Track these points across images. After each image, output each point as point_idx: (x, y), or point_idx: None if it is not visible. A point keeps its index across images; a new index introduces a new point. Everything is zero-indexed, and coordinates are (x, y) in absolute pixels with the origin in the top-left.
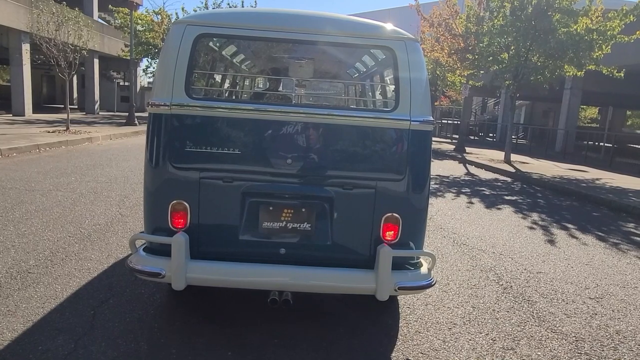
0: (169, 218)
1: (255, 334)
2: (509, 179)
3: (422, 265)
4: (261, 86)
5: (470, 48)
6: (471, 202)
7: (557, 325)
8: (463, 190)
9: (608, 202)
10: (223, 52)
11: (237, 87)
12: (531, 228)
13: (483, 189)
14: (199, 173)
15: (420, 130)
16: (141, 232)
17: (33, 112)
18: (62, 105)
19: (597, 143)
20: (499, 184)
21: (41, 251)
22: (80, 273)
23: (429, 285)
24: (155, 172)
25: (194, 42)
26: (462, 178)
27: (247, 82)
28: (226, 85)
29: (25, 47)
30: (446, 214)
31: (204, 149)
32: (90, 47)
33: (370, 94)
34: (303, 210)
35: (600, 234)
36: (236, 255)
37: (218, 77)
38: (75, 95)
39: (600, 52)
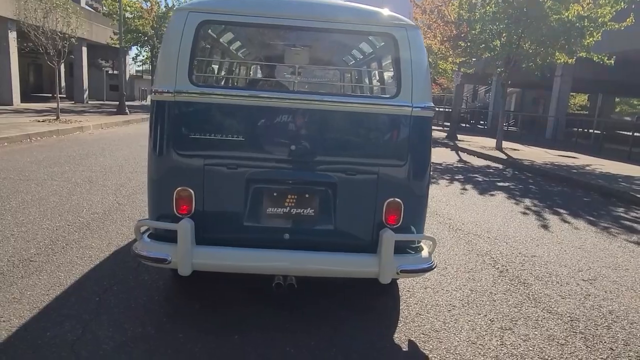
0: (174, 205)
1: (259, 318)
2: (500, 166)
3: (422, 249)
4: (265, 73)
5: (462, 35)
6: (465, 189)
7: (553, 306)
8: (456, 177)
9: (598, 188)
10: (226, 39)
11: (241, 74)
12: (524, 213)
13: (476, 175)
14: (204, 160)
15: (422, 116)
16: (145, 219)
17: (21, 102)
18: (50, 95)
19: (586, 130)
20: (491, 170)
21: (41, 240)
22: (82, 261)
23: (430, 269)
24: (160, 160)
25: (197, 29)
26: (454, 165)
27: (250, 70)
28: (229, 72)
29: (12, 35)
30: (441, 200)
31: (208, 136)
32: (79, 35)
33: (372, 80)
34: (307, 196)
35: (591, 218)
36: (241, 240)
37: (221, 64)
38: (63, 84)
39: (591, 39)
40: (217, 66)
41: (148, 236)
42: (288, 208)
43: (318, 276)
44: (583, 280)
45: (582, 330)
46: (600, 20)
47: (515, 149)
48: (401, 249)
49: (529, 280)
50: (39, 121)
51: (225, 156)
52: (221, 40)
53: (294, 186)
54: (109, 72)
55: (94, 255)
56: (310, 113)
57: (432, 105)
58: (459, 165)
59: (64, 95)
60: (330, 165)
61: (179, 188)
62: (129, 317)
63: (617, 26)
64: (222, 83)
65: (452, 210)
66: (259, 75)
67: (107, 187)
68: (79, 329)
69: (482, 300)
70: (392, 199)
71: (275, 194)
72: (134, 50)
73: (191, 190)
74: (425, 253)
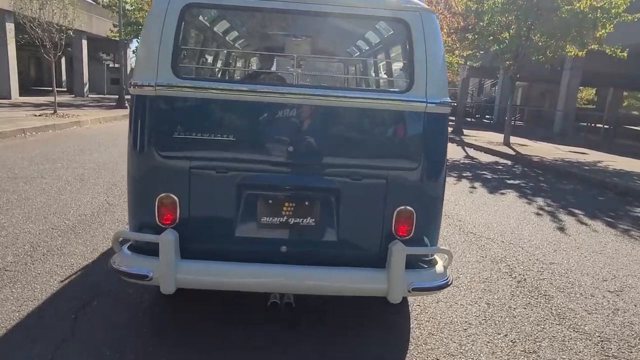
0: (156, 213)
1: (253, 339)
2: (509, 162)
3: (436, 262)
4: (259, 65)
5: (470, 27)
6: (474, 187)
7: (579, 324)
8: (464, 175)
9: (613, 186)
10: (215, 26)
11: (232, 66)
12: (538, 214)
13: (484, 172)
14: (189, 162)
15: (437, 113)
16: (126, 225)
17: (20, 95)
18: (51, 88)
19: (593, 125)
20: (500, 167)
21: (21, 246)
22: (62, 270)
23: (446, 285)
24: (140, 162)
25: (181, 12)
26: (462, 161)
27: (243, 61)
28: (219, 63)
29: (9, 27)
30: (449, 200)
31: (194, 136)
32: (76, 27)
33: (381, 72)
34: (306, 203)
35: (609, 219)
36: (232, 254)
37: (210, 54)
38: (64, 77)
39: (603, 31)
40: (206, 57)
41: (128, 248)
42: (285, 217)
43: (319, 294)
44: (609, 291)
45: (615, 354)
46: (613, 11)
47: (523, 144)
48: (413, 263)
49: (550, 292)
50: (35, 115)
51: (214, 158)
52: (210, 27)
53: (291, 192)
54: (110, 66)
55: (75, 264)
56: (310, 110)
57: (449, 100)
58: (466, 161)
59: (65, 89)
60: (332, 168)
61: (162, 194)
62: (107, 338)
63: (630, 17)
64: (211, 75)
65: (461, 210)
66: (253, 67)
67: (99, 186)
68: (49, 353)
69: (501, 317)
70: (402, 207)
71: (270, 202)
72: (134, 43)
73: (175, 197)
74: (439, 267)
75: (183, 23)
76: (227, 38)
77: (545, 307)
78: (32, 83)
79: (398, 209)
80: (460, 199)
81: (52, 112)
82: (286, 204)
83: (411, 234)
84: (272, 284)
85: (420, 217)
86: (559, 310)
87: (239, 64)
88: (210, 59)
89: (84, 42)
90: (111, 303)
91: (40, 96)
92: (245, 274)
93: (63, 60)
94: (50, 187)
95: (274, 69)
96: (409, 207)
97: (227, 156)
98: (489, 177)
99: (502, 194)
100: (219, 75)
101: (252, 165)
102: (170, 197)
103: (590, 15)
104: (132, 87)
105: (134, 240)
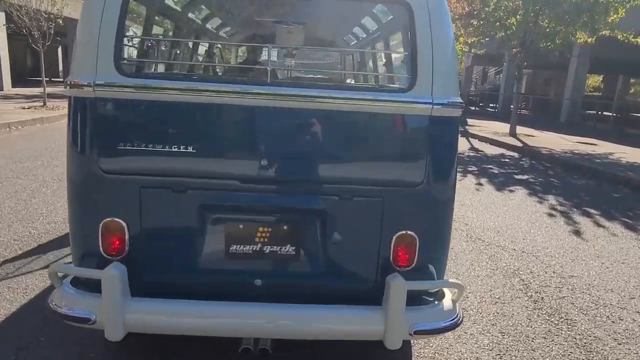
0: (100, 242)
1: None
2: (516, 154)
3: (443, 295)
4: (225, 59)
5: (475, 13)
6: (480, 184)
7: (609, 358)
8: (469, 169)
9: (627, 180)
10: (171, 10)
11: (193, 60)
12: (550, 215)
13: (490, 166)
14: (139, 180)
15: (445, 116)
16: (65, 261)
17: (14, 86)
18: (48, 79)
19: (601, 113)
20: (507, 160)
21: None
22: (12, 294)
23: (455, 326)
24: (79, 180)
25: None
26: (466, 154)
27: (206, 54)
28: (177, 57)
29: (0, 16)
30: (454, 199)
31: (145, 147)
32: (66, 15)
33: (378, 67)
34: (285, 227)
35: (627, 220)
36: (195, 290)
37: (165, 46)
38: (60, 67)
39: (615, 16)
40: (160, 49)
41: (71, 282)
42: (259, 245)
43: (302, 338)
44: (639, 313)
45: None
46: None
47: (529, 135)
48: (415, 298)
49: (571, 315)
50: (24, 108)
51: (169, 174)
52: (165, 12)
53: (266, 215)
54: None
55: (31, 285)
56: (289, 114)
57: (460, 100)
58: (471, 154)
59: (61, 79)
60: (317, 185)
61: (106, 220)
62: None
63: None
64: (166, 72)
65: (468, 212)
66: (220, 60)
67: None
68: None
69: (518, 350)
70: (403, 232)
71: (241, 226)
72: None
73: (123, 223)
74: (447, 302)
75: (129, 5)
76: (187, 26)
77: (569, 336)
78: (29, 73)
79: (397, 234)
80: (466, 198)
81: (42, 104)
82: (260, 229)
83: (413, 264)
84: (244, 327)
85: (424, 243)
86: (585, 340)
87: (201, 58)
88: (165, 51)
89: None
90: (63, 335)
91: (35, 87)
92: (211, 315)
93: (60, 49)
94: (24, 189)
95: (244, 62)
96: (410, 232)
97: (186, 172)
98: (495, 171)
99: (511, 191)
100: (176, 71)
101: (218, 182)
102: (117, 222)
103: (601, 0)
104: (67, 86)
105: (74, 274)
